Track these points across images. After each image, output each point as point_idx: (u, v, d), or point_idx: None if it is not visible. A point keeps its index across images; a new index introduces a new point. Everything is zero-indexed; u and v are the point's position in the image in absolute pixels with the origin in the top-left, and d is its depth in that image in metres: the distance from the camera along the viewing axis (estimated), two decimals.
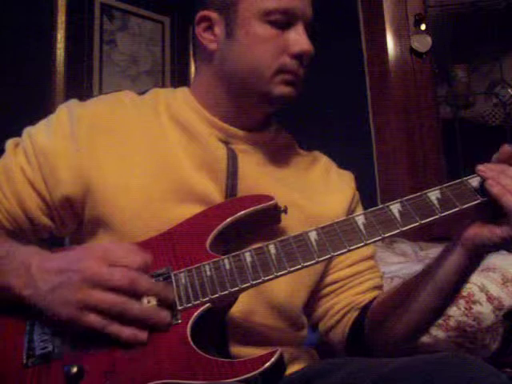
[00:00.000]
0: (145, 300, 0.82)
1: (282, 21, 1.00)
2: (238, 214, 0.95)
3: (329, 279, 1.10)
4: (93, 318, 0.79)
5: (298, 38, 1.00)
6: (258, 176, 1.04)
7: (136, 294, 0.81)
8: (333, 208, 1.08)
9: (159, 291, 0.83)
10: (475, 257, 0.92)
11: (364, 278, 1.10)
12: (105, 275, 0.80)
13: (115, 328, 0.80)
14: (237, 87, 1.03)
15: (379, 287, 1.12)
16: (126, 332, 0.80)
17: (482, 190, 0.89)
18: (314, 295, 1.10)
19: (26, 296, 0.83)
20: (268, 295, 0.98)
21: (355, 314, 1.08)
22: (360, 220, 0.89)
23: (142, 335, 0.80)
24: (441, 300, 0.97)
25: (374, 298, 1.08)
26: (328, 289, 1.10)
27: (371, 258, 1.13)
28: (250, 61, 1.00)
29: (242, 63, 1.01)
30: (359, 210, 1.15)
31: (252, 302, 0.96)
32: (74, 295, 0.79)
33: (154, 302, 0.83)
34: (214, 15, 1.04)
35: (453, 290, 0.96)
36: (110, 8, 2.28)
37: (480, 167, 0.90)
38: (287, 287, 1.01)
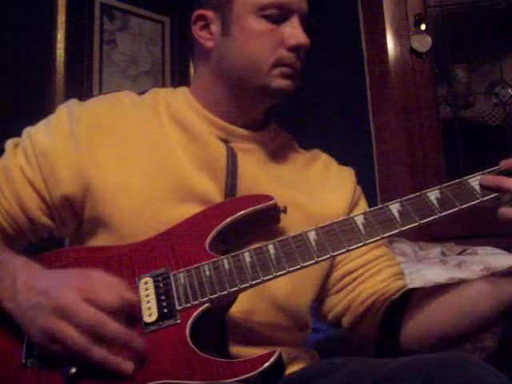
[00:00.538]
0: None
1: (277, 15, 1.01)
2: (238, 213, 0.95)
3: (341, 271, 1.07)
4: (57, 348, 0.78)
5: (294, 32, 1.01)
6: (258, 175, 1.04)
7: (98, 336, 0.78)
8: (333, 205, 1.07)
9: (124, 339, 0.79)
10: None
11: (380, 265, 1.07)
12: (73, 310, 0.77)
13: (85, 358, 0.77)
14: (235, 83, 1.04)
15: (401, 274, 1.09)
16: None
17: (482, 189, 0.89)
18: (327, 292, 1.08)
19: (8, 308, 0.82)
20: (269, 293, 0.98)
21: (385, 304, 1.04)
22: (359, 220, 0.89)
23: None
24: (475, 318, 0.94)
25: (412, 290, 1.05)
26: (344, 281, 1.07)
27: (381, 245, 1.09)
28: (246, 56, 1.01)
29: (239, 59, 1.02)
30: (362, 204, 1.14)
31: (253, 301, 0.96)
32: (44, 321, 0.78)
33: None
34: (209, 14, 1.04)
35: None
36: (110, 8, 2.28)
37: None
38: (288, 285, 1.00)
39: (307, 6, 1.05)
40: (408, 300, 1.04)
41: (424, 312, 1.00)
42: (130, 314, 0.82)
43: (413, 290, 1.06)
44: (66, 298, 0.78)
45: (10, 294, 0.82)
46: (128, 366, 0.78)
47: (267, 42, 1.01)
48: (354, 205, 1.12)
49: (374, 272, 1.07)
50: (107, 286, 0.82)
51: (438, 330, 0.98)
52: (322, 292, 1.08)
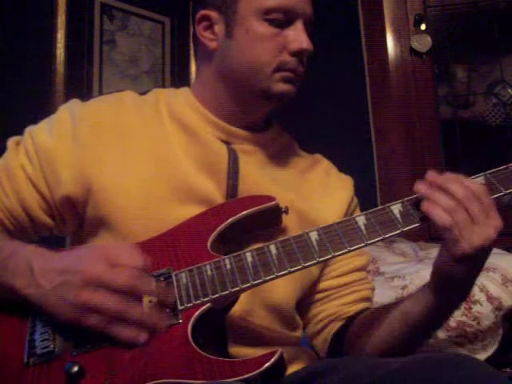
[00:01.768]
0: (146, 299, 0.83)
1: (282, 19, 1.00)
2: (240, 214, 0.95)
3: (319, 287, 1.10)
4: (93, 320, 0.80)
5: (298, 36, 1.01)
6: (259, 176, 1.04)
7: (137, 295, 0.82)
8: (328, 213, 1.08)
9: (160, 292, 0.83)
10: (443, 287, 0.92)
11: (351, 289, 1.10)
12: (106, 276, 0.80)
13: (115, 329, 0.80)
14: (236, 86, 1.04)
15: (366, 299, 1.12)
16: (126, 332, 0.80)
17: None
18: (306, 299, 1.10)
19: (28, 295, 0.83)
20: (266, 296, 0.99)
21: (338, 324, 1.08)
22: (361, 220, 0.89)
23: (142, 336, 0.80)
24: (408, 330, 0.96)
25: (361, 311, 1.08)
26: (317, 296, 1.10)
27: (362, 269, 1.13)
28: (249, 59, 1.01)
29: (242, 61, 1.01)
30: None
31: (250, 302, 0.96)
32: (75, 296, 0.80)
33: (155, 301, 0.83)
34: (213, 14, 1.04)
35: (422, 322, 0.95)
36: (110, 8, 2.28)
37: (418, 185, 0.89)
38: (285, 289, 1.01)
39: (312, 11, 1.04)
40: (353, 321, 1.07)
41: (357, 331, 1.05)
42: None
43: (361, 312, 1.09)
44: (96, 268, 0.81)
45: (27, 281, 0.83)
46: (163, 323, 0.81)
47: (270, 45, 1.00)
48: (348, 216, 1.11)
49: (340, 295, 1.10)
50: (125, 250, 0.85)
51: (372, 346, 1.01)
52: (303, 298, 1.09)
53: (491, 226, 0.83)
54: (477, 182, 0.89)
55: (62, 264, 0.83)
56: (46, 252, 0.88)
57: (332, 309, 1.09)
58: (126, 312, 0.80)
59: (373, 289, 1.15)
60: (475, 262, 0.88)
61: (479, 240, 0.82)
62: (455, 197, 0.84)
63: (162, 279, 0.87)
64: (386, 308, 1.02)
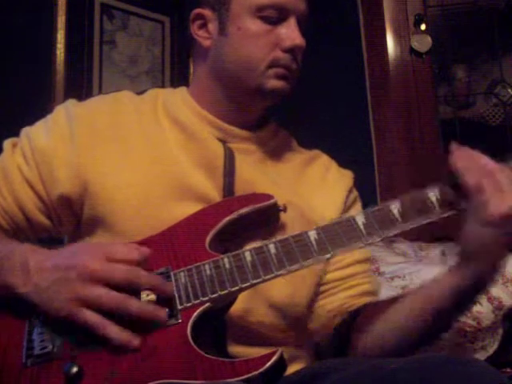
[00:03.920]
0: (144, 294, 0.83)
1: (274, 16, 1.01)
2: (238, 212, 0.95)
3: (323, 280, 1.09)
4: (89, 315, 0.79)
5: (290, 33, 1.01)
6: (255, 175, 1.04)
7: (134, 289, 0.81)
8: (324, 209, 1.07)
9: (158, 285, 0.83)
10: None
11: (356, 281, 1.09)
12: (102, 270, 0.80)
13: (109, 330, 0.79)
14: (230, 83, 1.04)
15: (372, 293, 1.10)
16: (120, 335, 0.79)
17: None
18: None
19: (24, 293, 0.83)
20: (266, 294, 0.98)
21: (343, 317, 1.06)
22: (360, 220, 0.89)
23: (136, 341, 0.80)
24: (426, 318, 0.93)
25: (366, 305, 1.06)
26: (321, 289, 1.09)
27: (365, 261, 1.11)
28: (242, 56, 1.01)
29: (235, 58, 1.02)
30: (356, 209, 1.14)
31: (250, 301, 0.96)
32: (71, 291, 0.80)
33: (152, 296, 0.83)
34: (207, 12, 1.05)
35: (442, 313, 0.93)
36: (110, 8, 2.28)
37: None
38: (287, 287, 1.00)
39: (306, 7, 1.04)
40: (358, 315, 1.05)
41: (366, 325, 1.02)
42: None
43: (367, 306, 1.07)
44: (92, 262, 0.81)
45: (23, 280, 0.83)
46: (163, 313, 0.81)
47: (263, 42, 1.00)
48: (345, 211, 1.11)
49: (345, 287, 1.08)
50: (121, 245, 0.85)
51: (378, 341, 0.99)
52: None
53: None
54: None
55: (56, 261, 0.83)
56: (43, 250, 0.88)
57: (337, 302, 1.07)
58: (123, 307, 0.79)
59: (378, 283, 1.13)
60: (501, 229, 0.85)
61: (505, 207, 0.83)
62: (485, 167, 0.86)
63: None
64: (395, 300, 0.99)
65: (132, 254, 0.83)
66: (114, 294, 0.80)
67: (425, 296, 0.94)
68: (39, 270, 0.83)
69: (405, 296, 0.99)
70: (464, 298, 0.92)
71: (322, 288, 1.09)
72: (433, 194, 0.90)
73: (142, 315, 0.81)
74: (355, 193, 1.16)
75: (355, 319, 1.05)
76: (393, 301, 1.00)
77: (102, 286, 0.80)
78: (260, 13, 1.00)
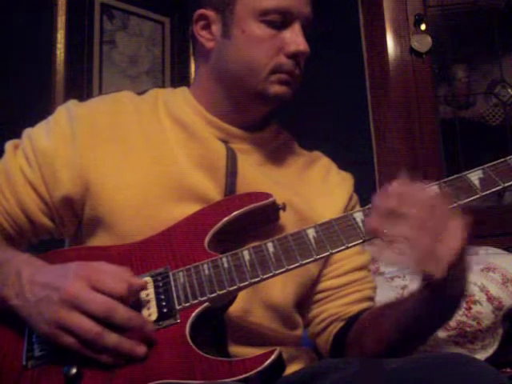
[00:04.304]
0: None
1: (279, 20, 1.00)
2: (237, 212, 0.95)
3: (319, 287, 1.09)
4: (67, 340, 0.78)
5: (294, 38, 1.00)
6: (257, 175, 1.04)
7: (112, 324, 0.79)
8: (327, 211, 1.06)
9: (136, 323, 0.80)
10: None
11: (353, 288, 1.08)
12: (83, 299, 0.79)
13: (90, 353, 0.79)
14: (232, 86, 1.04)
15: (369, 299, 1.10)
16: (102, 358, 0.79)
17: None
18: (307, 300, 1.09)
19: (14, 305, 0.83)
20: (264, 295, 0.98)
21: (340, 324, 1.07)
22: (359, 217, 0.89)
23: (119, 363, 0.79)
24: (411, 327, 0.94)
25: (364, 310, 1.06)
26: (318, 296, 1.09)
27: (364, 268, 1.11)
28: (245, 60, 1.01)
29: (238, 62, 1.01)
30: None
31: (248, 301, 0.96)
32: (52, 313, 0.79)
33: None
34: (211, 14, 1.04)
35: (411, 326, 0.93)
36: (110, 8, 2.28)
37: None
38: (283, 288, 1.00)
39: (310, 12, 1.04)
40: (355, 321, 1.05)
41: (360, 330, 1.03)
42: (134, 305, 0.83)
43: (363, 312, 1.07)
44: (75, 287, 0.79)
45: (15, 291, 0.83)
46: (141, 348, 0.79)
47: (267, 47, 1.00)
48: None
49: (342, 294, 1.08)
50: (113, 273, 0.83)
51: (371, 345, 0.99)
52: (302, 297, 1.08)
53: (454, 237, 0.77)
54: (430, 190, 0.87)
55: (48, 278, 0.82)
56: (38, 262, 0.87)
57: (333, 309, 1.08)
58: (98, 339, 0.78)
59: (375, 288, 1.13)
60: (455, 270, 0.78)
61: (448, 256, 0.76)
62: (409, 222, 0.79)
63: (160, 279, 0.87)
64: (389, 306, 1.00)
65: (119, 286, 0.81)
66: (90, 324, 0.78)
67: (404, 310, 0.94)
68: (30, 284, 0.82)
69: (392, 305, 0.99)
70: (440, 310, 0.91)
71: (319, 296, 1.09)
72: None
73: (118, 350, 0.79)
74: (355, 197, 1.16)
75: (352, 326, 1.05)
76: (387, 307, 1.01)
77: (82, 313, 0.78)
78: (264, 17, 0.99)
